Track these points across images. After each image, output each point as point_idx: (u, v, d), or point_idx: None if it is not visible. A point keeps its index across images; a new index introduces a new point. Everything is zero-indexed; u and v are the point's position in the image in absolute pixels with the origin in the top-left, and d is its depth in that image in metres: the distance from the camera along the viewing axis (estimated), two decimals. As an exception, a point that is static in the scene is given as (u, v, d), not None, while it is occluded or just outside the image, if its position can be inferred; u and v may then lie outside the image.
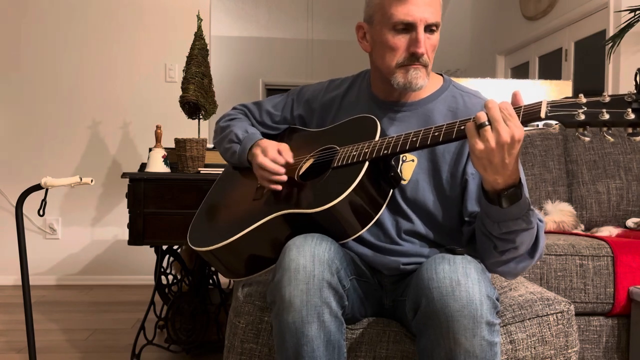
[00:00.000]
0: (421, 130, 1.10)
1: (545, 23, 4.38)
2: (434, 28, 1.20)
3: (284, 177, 1.27)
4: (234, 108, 1.56)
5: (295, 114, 1.46)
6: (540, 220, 1.14)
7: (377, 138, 1.19)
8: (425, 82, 1.22)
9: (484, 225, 1.10)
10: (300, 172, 1.30)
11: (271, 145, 1.33)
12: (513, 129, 0.95)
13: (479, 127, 0.97)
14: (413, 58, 1.19)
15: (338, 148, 1.25)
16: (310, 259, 1.06)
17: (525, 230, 1.07)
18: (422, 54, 1.18)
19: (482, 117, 0.97)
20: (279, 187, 1.27)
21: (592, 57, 3.89)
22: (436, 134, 1.06)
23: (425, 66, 1.21)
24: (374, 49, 1.26)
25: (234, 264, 1.29)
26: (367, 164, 1.14)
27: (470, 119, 1.01)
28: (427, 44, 1.19)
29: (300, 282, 1.04)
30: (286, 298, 1.04)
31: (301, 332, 1.04)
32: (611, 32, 3.39)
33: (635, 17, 2.98)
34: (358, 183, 1.11)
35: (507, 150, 0.96)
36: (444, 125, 1.07)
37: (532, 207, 1.08)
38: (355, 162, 1.16)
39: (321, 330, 1.04)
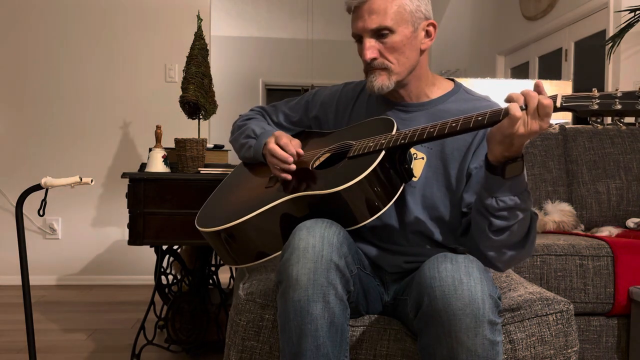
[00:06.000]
0: (438, 122, 1.12)
1: (545, 23, 4.39)
2: (385, 32, 1.22)
3: (293, 166, 1.28)
4: (251, 110, 1.59)
5: (311, 115, 1.48)
6: (534, 214, 1.16)
7: (394, 132, 1.20)
8: (389, 84, 1.25)
9: (481, 202, 1.11)
10: (316, 165, 1.31)
11: (284, 135, 1.35)
12: (544, 124, 0.99)
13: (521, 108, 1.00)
14: (367, 65, 1.26)
15: (354, 143, 1.26)
16: (320, 239, 1.07)
17: (520, 209, 1.09)
18: (366, 61, 1.24)
19: (521, 101, 1.00)
20: (289, 177, 1.28)
21: (592, 57, 3.89)
22: (454, 124, 1.08)
23: (384, 69, 1.24)
24: None
25: (239, 248, 1.28)
26: (383, 152, 1.15)
27: (487, 111, 1.05)
28: (381, 47, 1.23)
29: (309, 260, 1.05)
30: (293, 276, 1.05)
31: (306, 310, 1.04)
32: (611, 32, 3.39)
33: (635, 17, 2.98)
34: (373, 169, 1.13)
35: (531, 136, 1.00)
36: (461, 117, 1.09)
37: (529, 189, 1.10)
38: (371, 151, 1.18)
39: (326, 311, 1.05)
